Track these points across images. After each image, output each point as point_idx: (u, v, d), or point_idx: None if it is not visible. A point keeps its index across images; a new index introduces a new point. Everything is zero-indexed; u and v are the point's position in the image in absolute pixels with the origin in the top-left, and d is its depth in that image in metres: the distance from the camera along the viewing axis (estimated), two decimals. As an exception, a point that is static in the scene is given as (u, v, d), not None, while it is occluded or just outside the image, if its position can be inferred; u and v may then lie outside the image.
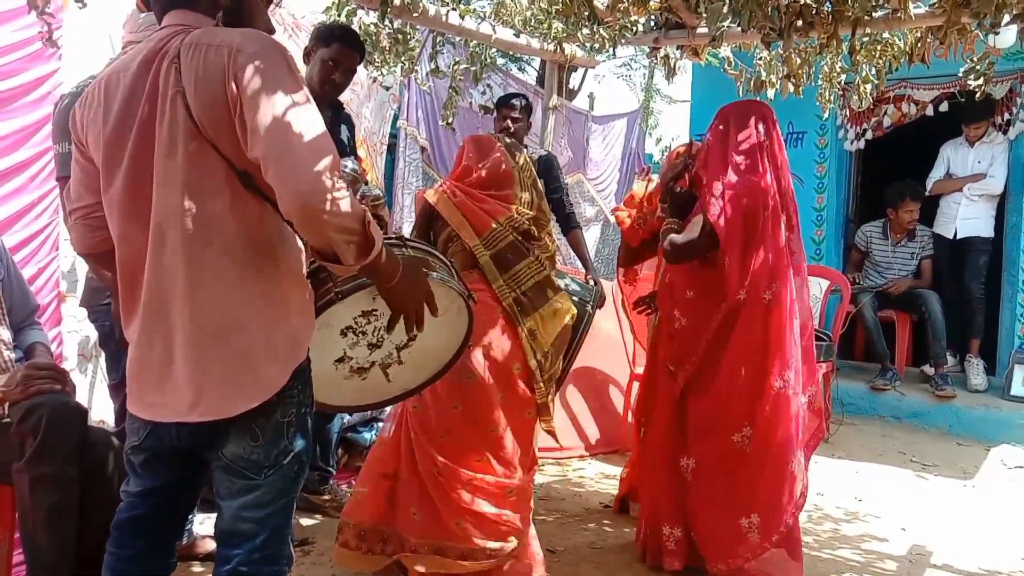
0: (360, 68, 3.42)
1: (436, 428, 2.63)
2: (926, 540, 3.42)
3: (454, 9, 3.95)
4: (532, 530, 2.76)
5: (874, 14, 3.34)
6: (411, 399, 2.50)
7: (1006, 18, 2.88)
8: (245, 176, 1.53)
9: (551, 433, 2.87)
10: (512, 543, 2.62)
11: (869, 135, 6.05)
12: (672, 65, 4.51)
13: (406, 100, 6.16)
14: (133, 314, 1.62)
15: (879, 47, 3.87)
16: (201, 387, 1.54)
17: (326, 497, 3.37)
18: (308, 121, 1.47)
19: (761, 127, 2.83)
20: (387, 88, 5.75)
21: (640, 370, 3.72)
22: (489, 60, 4.78)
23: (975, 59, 3.41)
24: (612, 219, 8.00)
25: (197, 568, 2.78)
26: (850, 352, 6.13)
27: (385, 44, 4.11)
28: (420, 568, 2.58)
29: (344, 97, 3.78)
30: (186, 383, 1.55)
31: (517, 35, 4.41)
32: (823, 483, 4.08)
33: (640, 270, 3.73)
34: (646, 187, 3.43)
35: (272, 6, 2.06)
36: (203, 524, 2.90)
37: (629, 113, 9.14)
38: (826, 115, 5.73)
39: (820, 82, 4.38)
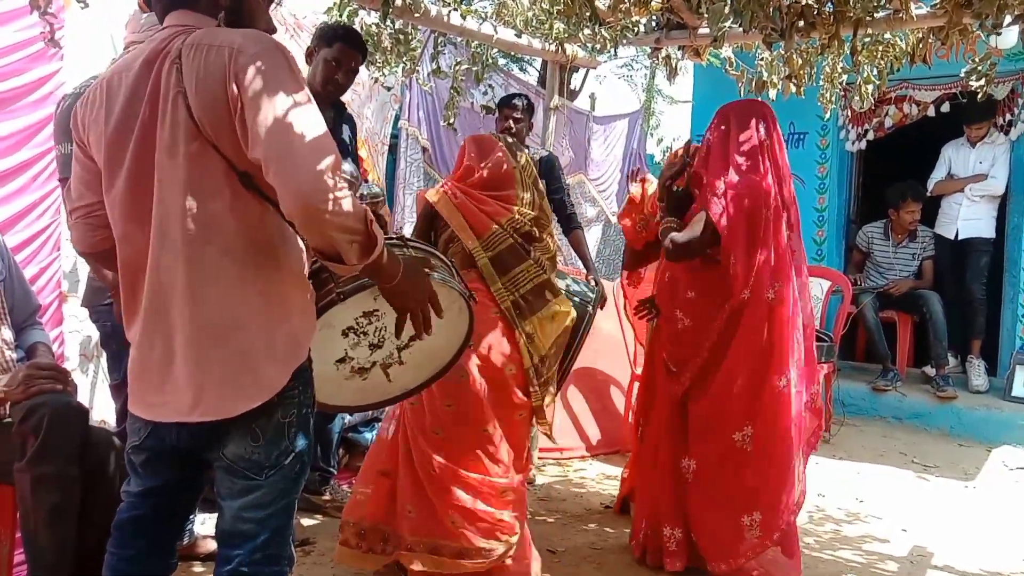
0: (361, 68, 3.43)
1: (430, 426, 2.64)
2: (927, 541, 3.42)
3: (455, 9, 3.95)
4: (527, 532, 2.75)
5: (876, 14, 3.34)
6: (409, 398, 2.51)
7: (1008, 19, 2.88)
8: (245, 176, 1.53)
9: (548, 435, 2.86)
10: (505, 544, 2.62)
11: (870, 136, 6.04)
12: (673, 66, 4.51)
13: (407, 100, 6.16)
14: (135, 314, 1.63)
15: (881, 48, 3.86)
16: (201, 387, 1.54)
17: (327, 497, 3.37)
18: (309, 121, 1.47)
19: (762, 127, 2.83)
20: (388, 88, 5.75)
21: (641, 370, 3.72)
22: (490, 60, 4.78)
23: (977, 60, 3.41)
24: (613, 219, 8.01)
25: (198, 568, 2.78)
26: (851, 353, 6.13)
27: (387, 44, 4.10)
28: (417, 566, 2.59)
29: (345, 97, 3.78)
30: (186, 383, 1.55)
31: (519, 35, 4.41)
32: (824, 484, 4.08)
33: (644, 273, 3.73)
34: (642, 189, 3.42)
35: (273, 6, 2.07)
36: (204, 524, 2.90)
37: (630, 114, 9.13)
38: (827, 116, 5.72)
39: (821, 83, 4.37)
